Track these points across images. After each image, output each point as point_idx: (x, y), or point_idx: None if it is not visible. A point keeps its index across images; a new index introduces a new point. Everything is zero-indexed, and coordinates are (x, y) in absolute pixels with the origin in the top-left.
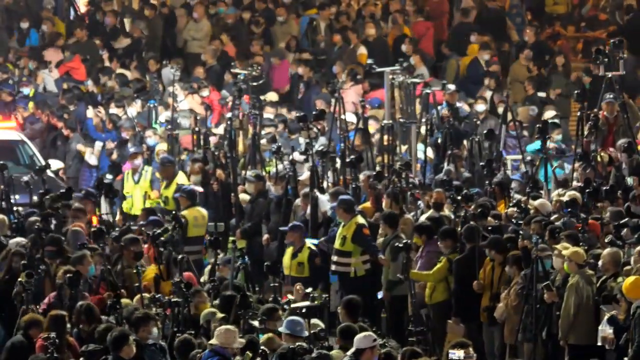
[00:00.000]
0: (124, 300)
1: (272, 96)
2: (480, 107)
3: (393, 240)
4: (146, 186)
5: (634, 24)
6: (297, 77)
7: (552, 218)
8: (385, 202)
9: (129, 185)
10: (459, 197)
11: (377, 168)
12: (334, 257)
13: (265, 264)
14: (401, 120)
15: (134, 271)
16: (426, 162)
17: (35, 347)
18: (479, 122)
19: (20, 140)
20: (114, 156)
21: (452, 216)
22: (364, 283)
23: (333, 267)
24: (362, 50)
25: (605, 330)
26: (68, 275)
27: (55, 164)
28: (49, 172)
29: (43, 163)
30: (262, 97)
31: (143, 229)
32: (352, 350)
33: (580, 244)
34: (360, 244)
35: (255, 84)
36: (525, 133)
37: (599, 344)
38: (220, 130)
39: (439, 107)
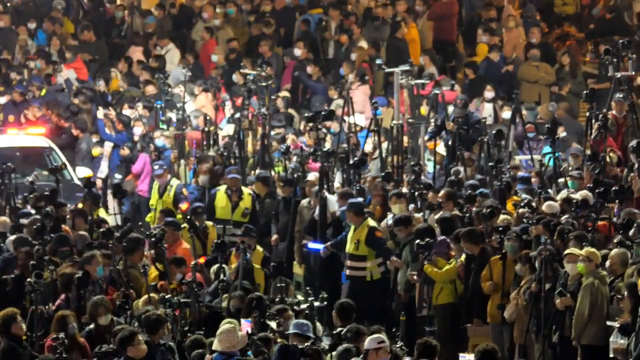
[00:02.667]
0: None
1: (285, 94)
2: (506, 113)
3: (411, 242)
4: (169, 202)
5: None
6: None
7: (562, 219)
8: (400, 203)
9: (154, 198)
10: (464, 197)
11: (388, 169)
12: (347, 262)
13: (272, 264)
14: (410, 120)
15: (141, 271)
16: (435, 163)
17: (21, 342)
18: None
19: (48, 147)
20: (126, 152)
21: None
22: (379, 286)
23: (348, 272)
24: (364, 44)
25: (617, 341)
26: (77, 275)
27: (83, 171)
28: (75, 180)
29: (70, 170)
30: (275, 96)
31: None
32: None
33: (584, 243)
34: (373, 247)
35: (264, 84)
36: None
37: (611, 355)
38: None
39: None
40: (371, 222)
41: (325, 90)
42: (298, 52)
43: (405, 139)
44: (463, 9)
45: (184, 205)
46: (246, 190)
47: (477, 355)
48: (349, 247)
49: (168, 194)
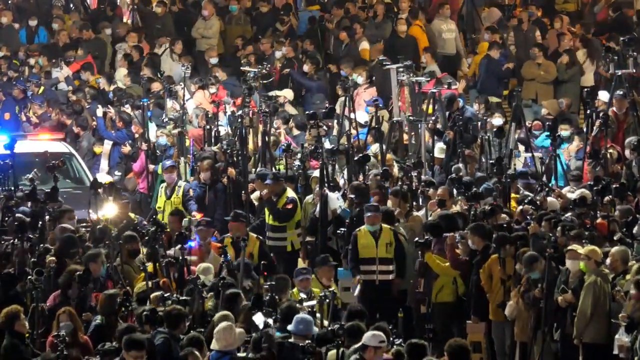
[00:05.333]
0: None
1: (287, 93)
2: (498, 121)
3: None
4: (177, 202)
5: None
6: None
7: (565, 216)
8: (392, 201)
9: (162, 200)
10: (469, 195)
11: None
12: (377, 267)
13: (262, 262)
14: (411, 118)
15: (139, 267)
16: (433, 160)
17: (24, 339)
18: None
19: (68, 153)
20: (127, 149)
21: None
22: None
23: (380, 277)
24: (365, 45)
25: (622, 339)
26: (78, 273)
27: (104, 177)
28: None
29: (90, 176)
30: (276, 94)
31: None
32: (359, 344)
33: (584, 241)
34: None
35: (265, 82)
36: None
37: (615, 352)
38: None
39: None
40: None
41: (319, 88)
42: (283, 49)
43: (405, 136)
44: (464, 6)
45: (198, 215)
46: (285, 194)
47: (447, 349)
48: (380, 251)
49: (176, 194)
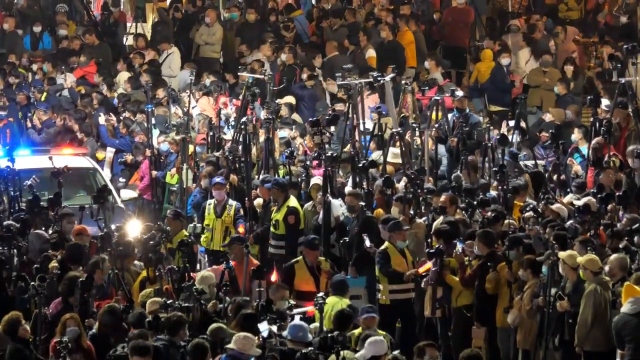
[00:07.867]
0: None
1: (289, 99)
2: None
3: None
4: (229, 221)
5: None
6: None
7: (568, 223)
8: (395, 208)
9: (210, 217)
10: (474, 202)
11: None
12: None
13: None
14: (414, 125)
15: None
16: (436, 168)
17: (28, 344)
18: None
19: (92, 168)
20: (130, 157)
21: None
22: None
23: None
24: (371, 53)
25: None
26: (80, 279)
27: (128, 193)
28: (118, 202)
29: (114, 192)
30: (277, 101)
31: None
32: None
33: (588, 248)
34: None
35: (275, 88)
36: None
37: (618, 359)
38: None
39: (449, 115)
40: None
41: (312, 97)
42: (284, 56)
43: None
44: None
45: (240, 229)
46: (287, 203)
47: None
48: (410, 268)
49: (227, 213)
